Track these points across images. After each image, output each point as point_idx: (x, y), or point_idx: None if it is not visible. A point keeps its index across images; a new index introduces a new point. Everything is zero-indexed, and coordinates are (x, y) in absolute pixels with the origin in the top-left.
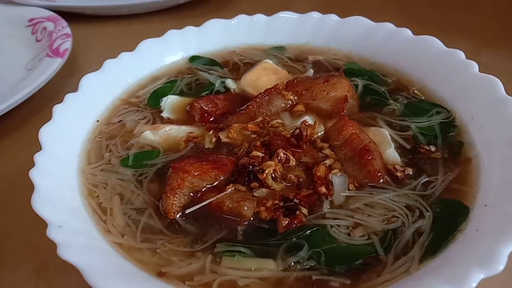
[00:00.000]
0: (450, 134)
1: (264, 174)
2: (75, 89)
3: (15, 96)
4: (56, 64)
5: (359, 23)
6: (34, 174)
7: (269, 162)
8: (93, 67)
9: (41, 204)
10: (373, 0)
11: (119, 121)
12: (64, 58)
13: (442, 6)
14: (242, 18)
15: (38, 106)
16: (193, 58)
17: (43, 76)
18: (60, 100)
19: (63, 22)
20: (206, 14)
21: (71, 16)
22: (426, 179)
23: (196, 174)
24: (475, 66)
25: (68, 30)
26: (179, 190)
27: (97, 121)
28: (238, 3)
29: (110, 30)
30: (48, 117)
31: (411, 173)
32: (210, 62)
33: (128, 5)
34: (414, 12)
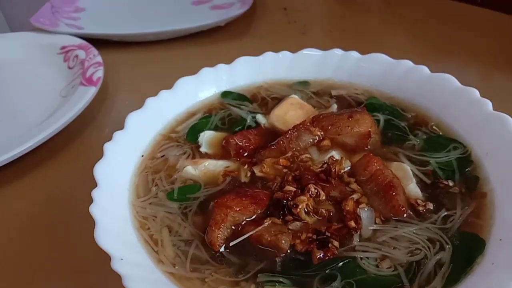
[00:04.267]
0: (467, 170)
1: (298, 209)
2: (108, 115)
3: (55, 124)
4: (90, 92)
5: (378, 60)
6: (94, 210)
7: (302, 197)
8: (123, 93)
9: (103, 238)
10: (385, 26)
11: (162, 156)
12: (97, 86)
13: (454, 30)
14: (268, 55)
15: (74, 133)
16: (225, 94)
17: (79, 105)
18: (94, 127)
19: (94, 51)
20: (227, 40)
21: (97, 41)
22: (446, 213)
23: (237, 209)
24: (488, 104)
25: (99, 58)
26: (223, 224)
27: (142, 156)
28: (257, 28)
29: (137, 55)
30: (84, 143)
31: (432, 208)
32: (239, 97)
33: (154, 32)
34: (428, 37)
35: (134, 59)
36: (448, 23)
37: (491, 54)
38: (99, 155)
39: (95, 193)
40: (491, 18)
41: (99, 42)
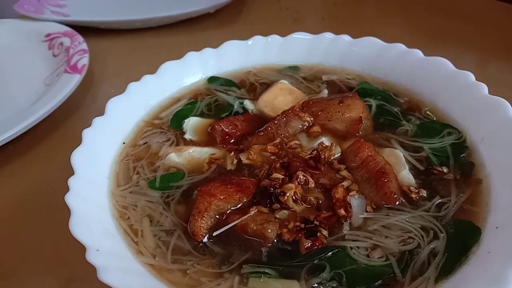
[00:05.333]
0: (462, 155)
1: (286, 197)
2: (93, 103)
3: (39, 111)
4: (75, 80)
5: (370, 43)
6: (69, 198)
7: (290, 185)
8: (109, 81)
9: (78, 228)
10: (381, 14)
11: (144, 143)
12: (82, 74)
13: (448, 18)
14: (257, 39)
15: (58, 121)
16: (212, 79)
17: (63, 93)
18: (79, 115)
19: (80, 38)
20: (217, 27)
21: (84, 29)
22: (440, 201)
23: (222, 197)
24: (484, 87)
25: (84, 45)
26: (206, 213)
27: (123, 143)
28: (248, 15)
29: (124, 43)
30: (69, 131)
31: (425, 195)
32: (227, 83)
33: (141, 19)
34: (422, 25)
35: (121, 46)
36: (444, 12)
37: (487, 42)
38: None
39: (71, 181)
40: (487, 7)
41: (86, 30)
